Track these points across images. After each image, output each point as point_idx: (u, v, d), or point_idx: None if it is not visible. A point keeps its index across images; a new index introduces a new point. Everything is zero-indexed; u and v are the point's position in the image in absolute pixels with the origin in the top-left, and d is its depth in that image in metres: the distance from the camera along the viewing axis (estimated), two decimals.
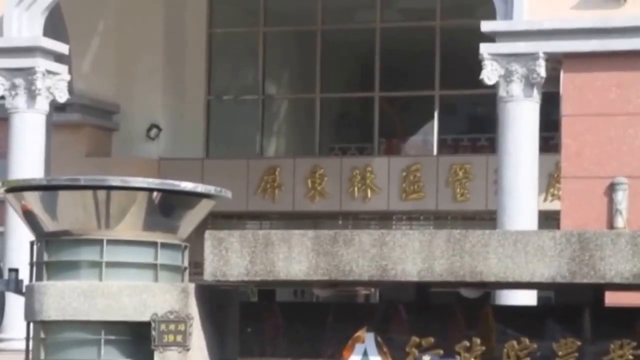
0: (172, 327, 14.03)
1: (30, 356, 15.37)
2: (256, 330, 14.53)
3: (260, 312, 14.80)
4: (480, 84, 28.60)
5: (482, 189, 31.60)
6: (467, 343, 13.75)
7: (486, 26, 28.26)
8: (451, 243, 14.25)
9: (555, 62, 28.07)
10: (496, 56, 28.24)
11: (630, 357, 13.54)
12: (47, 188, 17.27)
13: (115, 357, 13.65)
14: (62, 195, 16.55)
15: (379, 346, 13.92)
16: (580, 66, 27.59)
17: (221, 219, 16.21)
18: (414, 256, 14.07)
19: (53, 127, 30.64)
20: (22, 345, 19.39)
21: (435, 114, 36.71)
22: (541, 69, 28.13)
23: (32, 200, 16.56)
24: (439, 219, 28.76)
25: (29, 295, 15.76)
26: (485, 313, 14.42)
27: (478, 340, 13.80)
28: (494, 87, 28.55)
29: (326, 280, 14.80)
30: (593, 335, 13.65)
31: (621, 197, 27.06)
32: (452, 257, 14.04)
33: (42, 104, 30.22)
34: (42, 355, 14.95)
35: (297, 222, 25.26)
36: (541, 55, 28.08)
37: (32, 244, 16.50)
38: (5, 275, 19.14)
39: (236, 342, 14.27)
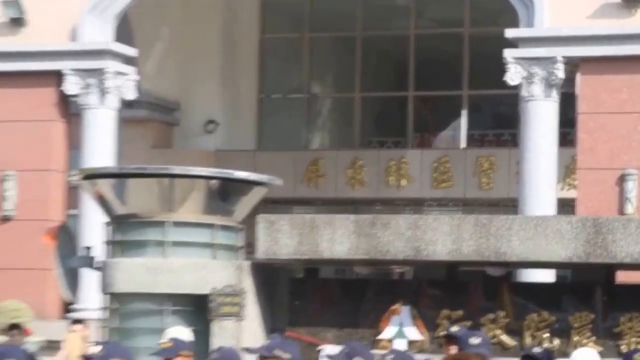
0: (228, 299, 14.09)
1: (105, 324, 15.48)
2: (303, 303, 14.60)
3: (306, 287, 14.88)
4: (504, 85, 28.59)
5: (505, 178, 31.55)
6: (492, 316, 13.80)
7: (510, 33, 28.24)
8: (478, 227, 14.30)
9: (573, 65, 28.03)
10: (519, 60, 28.22)
11: (639, 329, 13.58)
12: (118, 176, 17.44)
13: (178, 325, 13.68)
14: (131, 182, 16.70)
15: (413, 318, 13.97)
16: (596, 69, 27.56)
17: (271, 204, 16.32)
18: (444, 238, 14.12)
19: (122, 122, 30.74)
20: (95, 314, 19.57)
21: (463, 112, 36.68)
22: (560, 72, 28.09)
23: (105, 186, 16.70)
24: (467, 205, 28.80)
25: (103, 270, 15.90)
26: (508, 289, 14.48)
27: (502, 314, 13.85)
28: (517, 87, 28.53)
29: (365, 260, 14.88)
30: (605, 309, 13.68)
31: (631, 187, 27.03)
32: (479, 239, 14.09)
33: (112, 102, 30.33)
34: (115, 323, 15.05)
35: (339, 208, 25.34)
36: (560, 59, 28.04)
37: (104, 225, 16.65)
38: (80, 253, 19.24)
39: (285, 313, 14.33)
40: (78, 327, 16.81)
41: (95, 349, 14.28)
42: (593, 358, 11.72)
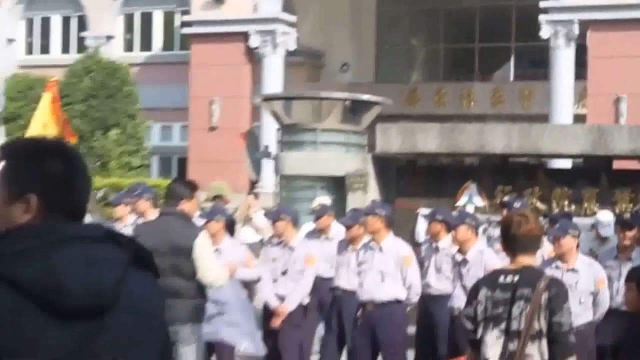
0: (357, 179, 14.13)
1: (277, 195, 15.67)
2: (405, 182, 14.63)
3: (408, 171, 14.90)
4: (538, 38, 28.31)
5: (540, 100, 31.15)
6: (530, 190, 13.73)
7: (543, 4, 27.97)
8: (521, 132, 14.24)
9: (585, 25, 27.68)
10: (548, 22, 27.87)
11: (628, 198, 13.47)
12: (285, 98, 17.58)
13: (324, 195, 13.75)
14: (294, 102, 16.80)
15: (478, 191, 13.93)
16: (600, 28, 27.25)
17: (384, 118, 16.34)
18: (499, 139, 14.07)
19: (286, 64, 30.80)
20: (270, 189, 19.82)
21: (512, 57, 36.26)
22: (576, 30, 27.81)
23: (277, 105, 16.81)
24: (513, 119, 28.49)
25: (276, 160, 16.06)
26: (541, 173, 14.40)
27: (537, 188, 13.76)
28: (547, 40, 28.22)
29: (447, 153, 14.88)
30: (605, 186, 13.56)
31: (623, 106, 26.93)
32: (522, 139, 14.03)
33: (280, 51, 30.37)
34: (284, 194, 15.19)
35: (429, 120, 25.22)
36: (576, 21, 27.70)
37: (277, 131, 16.80)
38: (261, 149, 19.52)
39: (394, 189, 14.35)
40: (250, 197, 16.86)
41: (260, 215, 14.36)
42: (609, 217, 11.71)
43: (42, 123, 9.69)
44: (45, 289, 2.60)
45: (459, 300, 9.20)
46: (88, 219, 11.65)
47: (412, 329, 10.69)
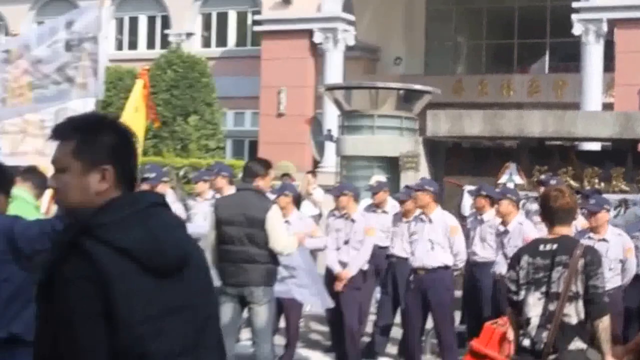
0: (409, 159, 14.08)
1: (339, 174, 15.60)
2: (453, 161, 14.54)
3: (455, 153, 14.82)
4: (571, 35, 28.06)
5: (572, 90, 30.81)
6: (564, 169, 13.60)
7: (575, 4, 27.69)
8: (556, 117, 14.11)
9: (612, 23, 27.38)
10: (580, 20, 27.59)
11: None
12: (346, 88, 17.57)
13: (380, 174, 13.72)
14: (354, 91, 16.83)
15: (517, 171, 13.84)
16: (626, 26, 26.95)
17: (433, 106, 16.26)
18: (536, 124, 13.97)
19: (346, 59, 30.77)
20: (332, 169, 19.77)
21: (547, 51, 35.86)
22: (604, 27, 27.55)
23: (338, 94, 16.82)
24: (548, 107, 28.21)
25: (337, 143, 16.06)
26: (574, 154, 14.26)
27: (570, 168, 13.64)
28: (579, 37, 27.95)
29: (489, 136, 14.77)
30: (631, 165, 13.41)
31: None
32: (557, 124, 13.91)
33: (340, 47, 30.38)
34: (344, 173, 15.14)
35: (473, 108, 24.99)
36: (605, 20, 27.45)
37: (338, 116, 16.78)
38: (325, 132, 19.50)
39: (442, 168, 14.31)
40: (309, 175, 16.88)
41: (318, 191, 14.35)
42: None
43: (134, 107, 9.76)
44: (150, 252, 2.66)
45: (501, 267, 9.34)
46: (170, 195, 11.76)
47: (458, 293, 10.74)
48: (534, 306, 5.84)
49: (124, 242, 2.62)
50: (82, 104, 8.55)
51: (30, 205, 6.39)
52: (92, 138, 2.80)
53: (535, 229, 9.52)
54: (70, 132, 2.82)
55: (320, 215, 14.72)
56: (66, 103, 8.61)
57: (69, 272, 2.58)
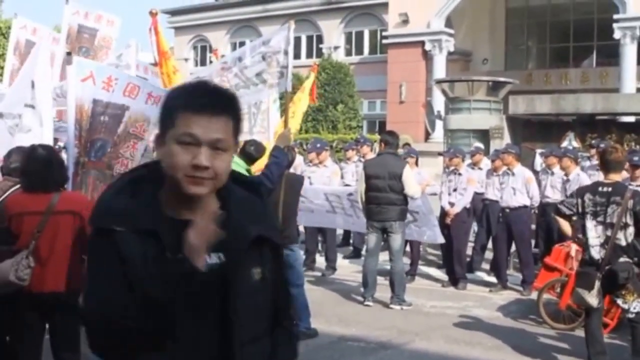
0: (497, 131, 13.78)
1: (445, 143, 15.08)
2: (528, 131, 14.22)
3: (530, 125, 14.51)
4: (612, 39, 26.89)
5: (613, 79, 29.41)
6: (608, 136, 13.17)
7: (616, 16, 26.47)
8: (602, 98, 13.74)
9: None
10: (619, 27, 26.46)
11: None
12: (449, 81, 17.29)
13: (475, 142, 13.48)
14: (456, 84, 16.47)
15: (575, 137, 13.49)
16: None
17: (512, 92, 15.82)
18: (588, 103, 13.57)
19: (447, 61, 30.29)
20: (440, 140, 19.29)
21: (594, 51, 34.26)
22: (637, 32, 26.30)
23: (444, 85, 16.53)
24: (597, 91, 27.09)
25: (444, 120, 15.86)
26: (615, 125, 13.77)
27: (612, 135, 13.20)
28: (618, 40, 26.74)
29: (555, 113, 14.38)
30: None
31: None
32: (604, 103, 13.49)
33: (443, 52, 29.91)
34: (448, 142, 14.61)
35: (540, 93, 24.32)
36: (638, 27, 26.22)
37: (445, 101, 16.53)
38: (435, 112, 19.19)
39: (520, 136, 14.01)
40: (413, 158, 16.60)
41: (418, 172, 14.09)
42: None
43: (306, 94, 10.00)
44: None
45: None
46: (299, 160, 11.33)
47: (533, 226, 10.59)
48: (591, 230, 5.78)
49: None
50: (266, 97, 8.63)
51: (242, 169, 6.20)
52: (240, 116, 1.91)
53: (589, 179, 9.30)
54: (231, 109, 1.86)
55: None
56: (261, 99, 8.70)
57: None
